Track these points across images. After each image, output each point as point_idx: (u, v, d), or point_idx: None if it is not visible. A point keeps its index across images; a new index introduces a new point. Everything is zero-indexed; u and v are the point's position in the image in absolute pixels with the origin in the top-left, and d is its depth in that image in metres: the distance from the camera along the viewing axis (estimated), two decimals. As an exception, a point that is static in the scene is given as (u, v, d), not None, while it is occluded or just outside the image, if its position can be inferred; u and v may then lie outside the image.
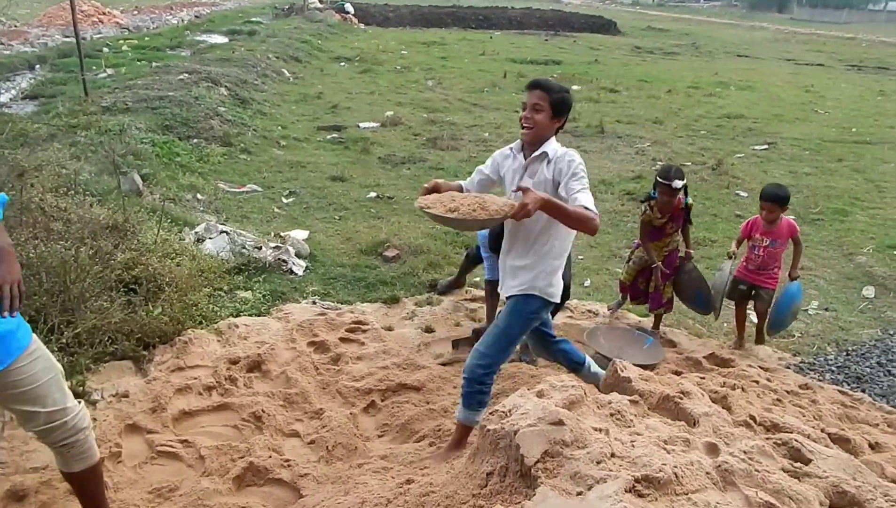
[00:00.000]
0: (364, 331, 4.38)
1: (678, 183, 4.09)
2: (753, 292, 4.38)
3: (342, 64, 17.12)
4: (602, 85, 15.06)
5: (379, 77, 15.29)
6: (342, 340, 4.27)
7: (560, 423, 1.90)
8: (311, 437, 3.29)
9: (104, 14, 22.71)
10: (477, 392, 2.96)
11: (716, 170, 8.61)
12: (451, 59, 19.03)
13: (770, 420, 2.54)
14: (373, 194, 7.28)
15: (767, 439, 2.18)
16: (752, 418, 2.52)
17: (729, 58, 23.26)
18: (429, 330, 4.47)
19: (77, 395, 3.27)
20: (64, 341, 3.39)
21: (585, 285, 5.32)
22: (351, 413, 3.50)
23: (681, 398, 2.22)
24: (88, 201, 4.64)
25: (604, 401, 2.13)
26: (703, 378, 3.03)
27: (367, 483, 2.76)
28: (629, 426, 2.03)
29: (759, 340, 4.50)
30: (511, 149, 3.12)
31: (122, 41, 17.38)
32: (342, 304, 4.78)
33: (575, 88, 14.70)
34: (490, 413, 2.13)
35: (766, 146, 10.27)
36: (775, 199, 4.23)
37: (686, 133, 11.00)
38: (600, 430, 1.93)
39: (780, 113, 13.01)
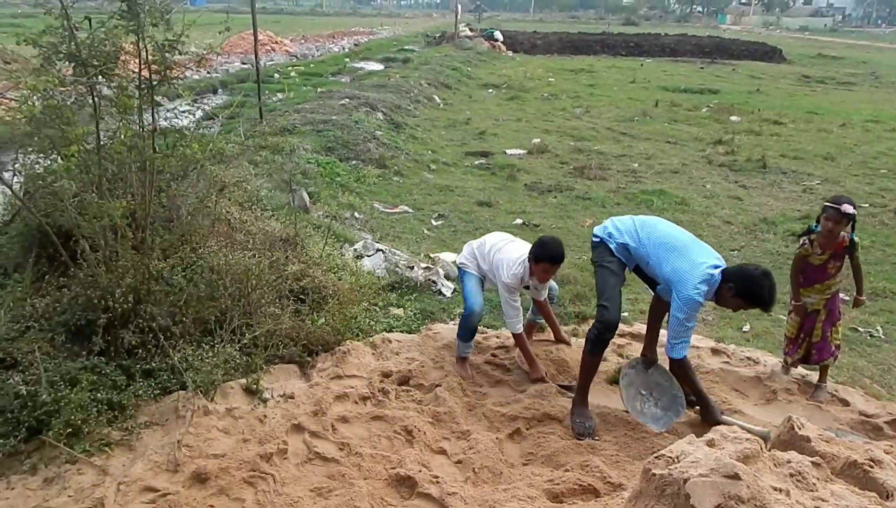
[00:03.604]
0: (510, 356, 4.41)
1: (849, 208, 3.70)
2: None
3: (490, 91, 17.48)
4: (765, 117, 14.19)
5: (526, 104, 15.43)
6: (488, 363, 4.33)
7: (736, 477, 1.81)
8: (458, 457, 3.35)
9: (276, 42, 24.97)
10: None
11: (898, 213, 7.81)
12: (600, 86, 18.81)
13: (975, 502, 2.25)
14: (519, 221, 7.34)
15: (976, 523, 1.94)
16: (953, 497, 2.24)
17: (914, 89, 21.07)
18: (574, 362, 4.41)
19: (251, 392, 3.59)
20: (245, 341, 3.72)
21: (744, 330, 5.01)
22: (497, 438, 3.53)
23: (871, 466, 2.04)
24: (266, 215, 5.07)
25: (781, 459, 2.00)
26: (893, 447, 2.75)
27: (515, 511, 2.78)
28: (811, 490, 1.89)
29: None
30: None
31: (290, 67, 18.91)
32: (488, 328, 4.85)
33: (734, 118, 14.00)
34: (655, 457, 2.08)
35: (960, 189, 9.15)
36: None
37: (863, 172, 10.06)
38: (780, 490, 1.82)
39: (980, 152, 11.55)
